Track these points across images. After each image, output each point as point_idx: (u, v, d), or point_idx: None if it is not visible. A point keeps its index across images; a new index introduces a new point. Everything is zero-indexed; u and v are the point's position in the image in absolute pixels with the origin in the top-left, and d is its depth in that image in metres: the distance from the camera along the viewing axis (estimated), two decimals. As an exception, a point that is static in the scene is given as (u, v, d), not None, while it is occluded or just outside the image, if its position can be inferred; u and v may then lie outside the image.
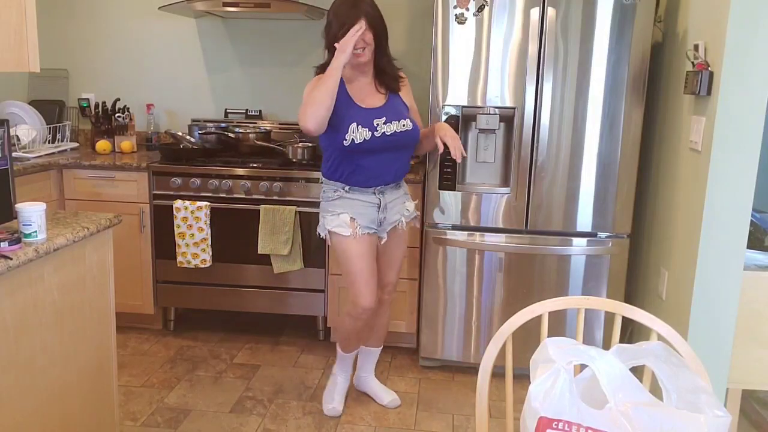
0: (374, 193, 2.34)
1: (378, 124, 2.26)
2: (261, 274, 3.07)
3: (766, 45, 2.05)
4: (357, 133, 2.23)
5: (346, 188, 2.32)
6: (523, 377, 1.43)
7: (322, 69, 2.29)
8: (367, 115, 2.27)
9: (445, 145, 2.30)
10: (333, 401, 2.57)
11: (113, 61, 3.64)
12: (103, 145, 3.35)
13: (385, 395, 2.64)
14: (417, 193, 2.90)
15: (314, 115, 2.13)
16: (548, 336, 1.29)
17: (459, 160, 2.30)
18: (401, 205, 2.43)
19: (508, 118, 2.66)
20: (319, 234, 2.42)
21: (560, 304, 1.43)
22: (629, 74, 2.56)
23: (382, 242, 2.42)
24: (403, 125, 2.30)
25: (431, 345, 2.89)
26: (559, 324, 2.75)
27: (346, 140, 2.23)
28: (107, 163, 3.07)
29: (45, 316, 1.66)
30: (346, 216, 2.31)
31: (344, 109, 2.26)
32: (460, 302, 2.83)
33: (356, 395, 2.70)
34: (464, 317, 2.84)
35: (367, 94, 2.33)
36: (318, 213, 2.98)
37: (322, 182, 2.40)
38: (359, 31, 2.13)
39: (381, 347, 2.67)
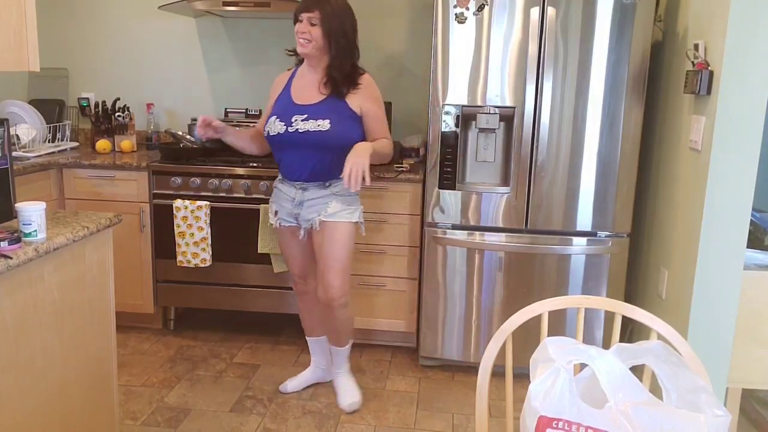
0: (296, 188, 2.42)
1: (295, 120, 2.32)
2: (261, 274, 3.07)
3: (766, 45, 2.05)
4: (273, 126, 2.36)
5: (279, 178, 2.49)
6: (523, 376, 1.43)
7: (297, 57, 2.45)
8: (290, 110, 2.35)
9: None
10: (291, 381, 2.72)
11: (113, 61, 3.64)
12: (103, 144, 3.35)
13: (344, 398, 2.59)
14: (417, 192, 2.90)
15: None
16: (548, 335, 1.29)
17: (353, 190, 2.19)
18: (321, 205, 2.39)
19: (508, 117, 2.65)
20: None
21: (560, 304, 1.43)
22: (629, 74, 2.56)
23: (301, 237, 2.48)
24: (318, 125, 2.29)
25: (431, 344, 2.90)
26: (559, 323, 2.76)
27: (266, 131, 2.40)
28: (107, 163, 3.07)
29: (45, 315, 1.66)
30: (274, 206, 2.51)
31: (279, 101, 2.43)
32: (460, 302, 2.83)
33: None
34: (464, 317, 2.84)
35: (307, 91, 2.38)
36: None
37: None
38: (208, 123, 2.31)
39: (344, 347, 2.62)
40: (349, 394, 2.60)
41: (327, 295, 2.47)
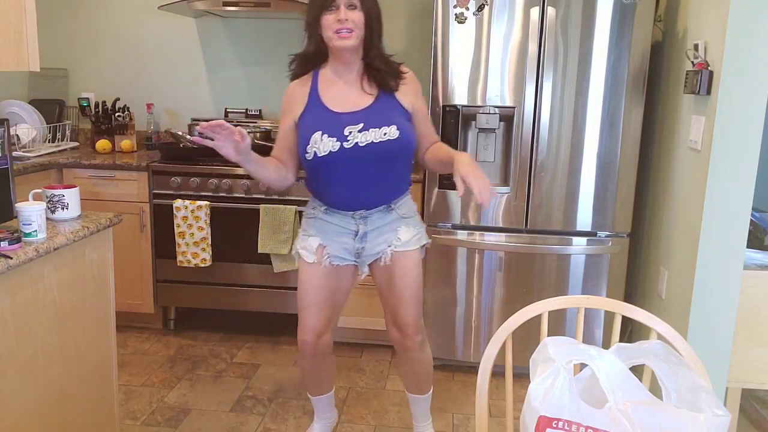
0: (353, 218, 1.96)
1: (350, 133, 1.86)
2: (261, 274, 3.07)
3: (766, 45, 2.05)
4: (321, 144, 1.85)
5: (323, 208, 1.99)
6: (523, 376, 1.43)
7: (300, 61, 1.98)
8: (337, 121, 1.88)
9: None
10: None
11: (113, 61, 3.64)
12: (103, 144, 3.35)
13: None
14: (417, 192, 2.89)
15: (270, 186, 2.08)
16: (548, 335, 1.29)
17: (487, 206, 1.74)
18: (391, 233, 1.99)
19: (508, 117, 2.66)
20: (291, 251, 2.12)
21: (561, 304, 1.43)
22: (629, 73, 2.56)
23: (362, 276, 2.07)
24: (384, 134, 1.86)
25: (431, 344, 2.87)
26: (558, 323, 2.76)
27: (307, 153, 1.87)
28: (107, 163, 3.07)
29: (45, 315, 1.66)
30: (316, 241, 1.99)
31: (310, 114, 1.92)
32: (460, 302, 2.83)
33: (356, 393, 2.70)
34: (464, 317, 2.84)
35: (347, 95, 1.93)
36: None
37: None
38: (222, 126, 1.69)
39: (426, 393, 2.27)
40: None
41: (403, 335, 2.08)
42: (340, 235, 1.98)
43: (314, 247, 1.99)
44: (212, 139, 1.71)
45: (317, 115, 1.90)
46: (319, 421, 2.33)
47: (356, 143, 1.86)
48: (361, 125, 1.87)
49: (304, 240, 2.02)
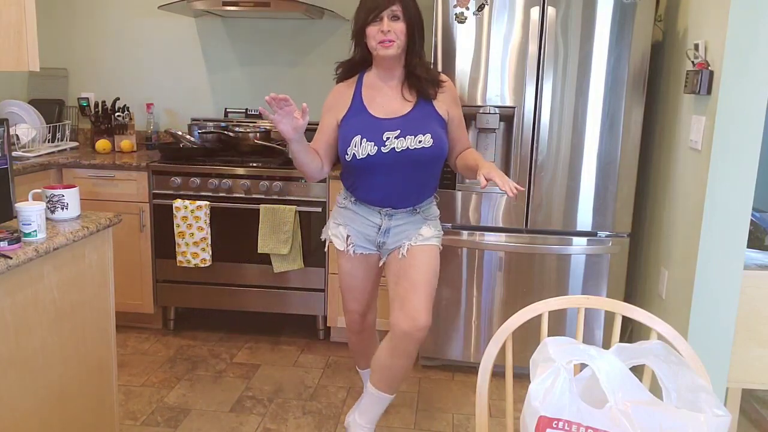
0: (380, 213, 2.10)
1: (388, 138, 1.98)
2: (261, 274, 3.07)
3: (766, 45, 2.05)
4: (359, 148, 1.98)
5: (353, 199, 2.12)
6: (523, 376, 1.43)
7: (346, 67, 2.10)
8: (377, 126, 2.00)
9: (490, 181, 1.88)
10: (353, 413, 2.34)
11: (113, 60, 3.64)
12: (102, 144, 3.35)
13: None
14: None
15: (304, 174, 2.11)
16: (548, 335, 1.29)
17: (512, 195, 1.81)
18: (412, 231, 2.11)
19: (508, 117, 2.65)
20: (321, 236, 2.26)
21: (561, 304, 1.43)
22: (629, 73, 2.56)
23: (380, 264, 2.18)
24: (419, 141, 1.98)
25: (431, 344, 2.89)
26: (558, 323, 2.76)
27: (347, 154, 2.00)
28: (107, 163, 3.07)
29: (45, 315, 1.66)
30: (344, 230, 2.14)
31: (353, 117, 2.04)
32: (461, 302, 2.82)
33: (356, 393, 2.69)
34: (464, 317, 2.84)
35: (388, 101, 2.04)
36: (318, 212, 2.99)
37: None
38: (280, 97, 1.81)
39: (391, 395, 2.20)
40: None
41: (414, 324, 2.03)
42: (364, 227, 2.12)
43: (343, 236, 2.14)
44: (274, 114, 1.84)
45: (359, 119, 2.03)
46: (366, 388, 2.37)
47: (393, 149, 1.98)
48: (399, 131, 1.99)
49: (335, 228, 2.17)
